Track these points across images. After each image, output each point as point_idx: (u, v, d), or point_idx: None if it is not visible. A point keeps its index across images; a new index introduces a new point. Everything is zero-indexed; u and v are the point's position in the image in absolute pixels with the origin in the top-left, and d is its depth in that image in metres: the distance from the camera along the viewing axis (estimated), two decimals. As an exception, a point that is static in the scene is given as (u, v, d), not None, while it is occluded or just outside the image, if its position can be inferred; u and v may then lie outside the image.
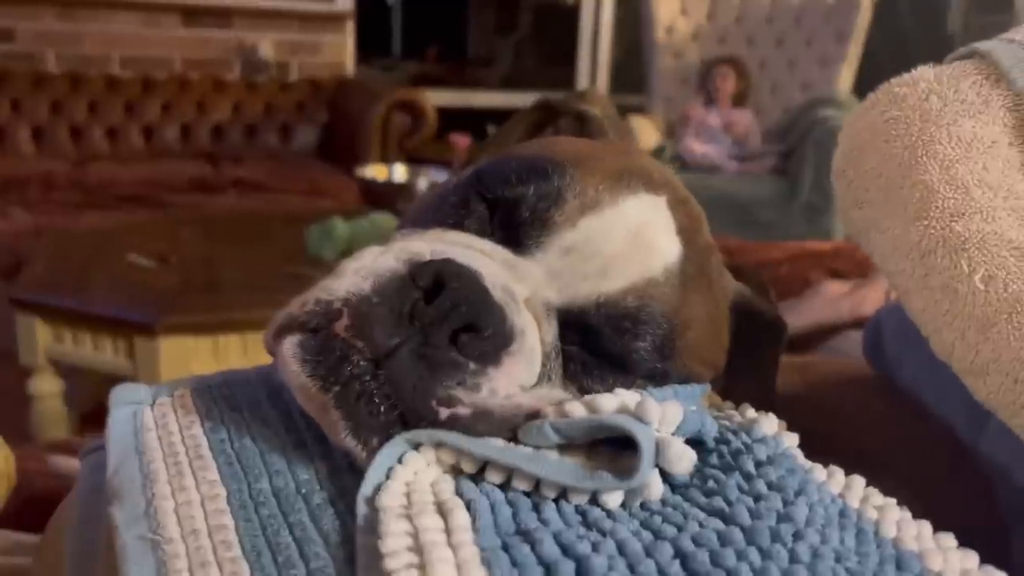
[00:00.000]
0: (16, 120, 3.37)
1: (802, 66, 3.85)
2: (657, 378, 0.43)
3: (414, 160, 3.11)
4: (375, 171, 2.73)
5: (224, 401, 0.42)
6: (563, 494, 0.34)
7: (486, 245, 0.42)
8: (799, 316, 1.37)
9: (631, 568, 0.30)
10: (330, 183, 3.30)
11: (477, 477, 0.35)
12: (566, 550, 0.30)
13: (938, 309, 0.44)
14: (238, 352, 1.69)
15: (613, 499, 0.34)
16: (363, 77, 4.11)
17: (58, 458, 1.01)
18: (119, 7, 3.63)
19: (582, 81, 4.74)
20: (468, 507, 0.32)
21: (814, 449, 0.40)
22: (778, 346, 0.53)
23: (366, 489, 0.34)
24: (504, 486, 0.35)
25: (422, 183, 2.47)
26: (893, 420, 0.58)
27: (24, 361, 1.81)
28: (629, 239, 0.43)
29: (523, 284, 0.40)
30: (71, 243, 2.14)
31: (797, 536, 0.32)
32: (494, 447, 0.35)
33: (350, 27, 4.03)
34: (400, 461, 0.35)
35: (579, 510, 0.34)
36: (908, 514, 0.36)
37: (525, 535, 0.31)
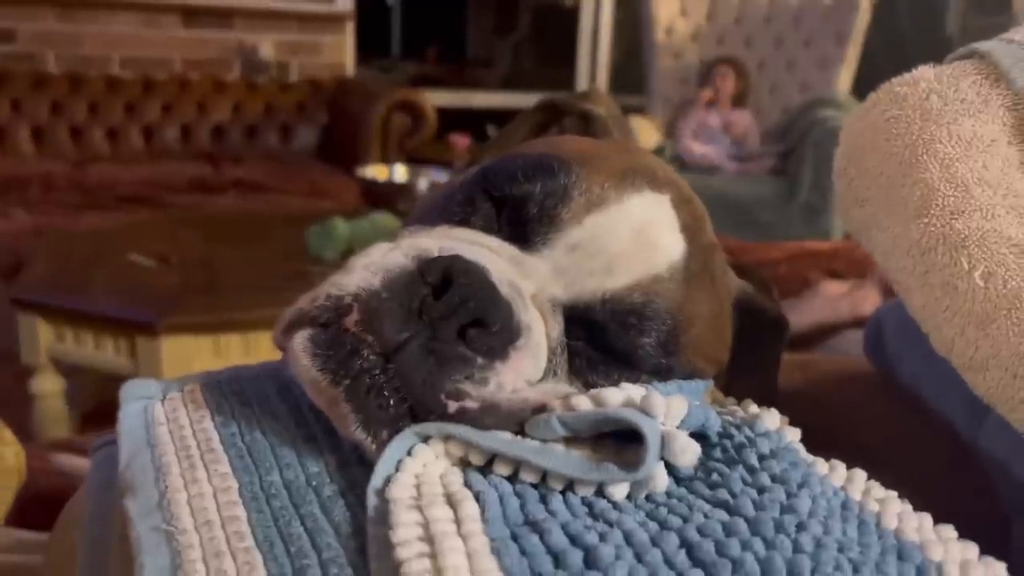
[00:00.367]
0: (16, 120, 3.37)
1: (801, 67, 3.86)
2: (661, 374, 0.43)
3: (414, 160, 3.11)
4: (375, 171, 2.74)
5: (234, 396, 0.43)
6: (570, 486, 0.35)
7: (493, 242, 0.42)
8: (798, 316, 1.38)
9: (638, 557, 0.30)
10: (330, 183, 3.31)
11: (485, 469, 0.36)
12: (574, 540, 0.31)
13: (938, 306, 0.44)
14: (239, 352, 1.69)
15: (619, 491, 0.35)
16: (363, 78, 4.11)
17: (61, 456, 1.02)
18: (119, 8, 3.63)
19: (581, 82, 4.75)
20: (477, 498, 0.33)
21: (816, 444, 0.41)
22: (780, 343, 0.54)
23: (376, 481, 0.34)
24: (512, 478, 0.35)
25: (422, 183, 2.47)
26: (894, 416, 0.59)
27: (26, 361, 1.81)
28: (634, 236, 0.43)
29: (530, 280, 0.41)
30: (72, 243, 2.15)
31: (800, 527, 0.33)
32: (502, 440, 0.36)
33: (350, 28, 4.04)
34: (409, 453, 0.35)
35: (586, 502, 0.34)
36: (909, 506, 0.37)
37: (533, 525, 0.32)
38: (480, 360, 0.37)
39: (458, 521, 0.32)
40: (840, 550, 0.32)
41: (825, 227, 3.21)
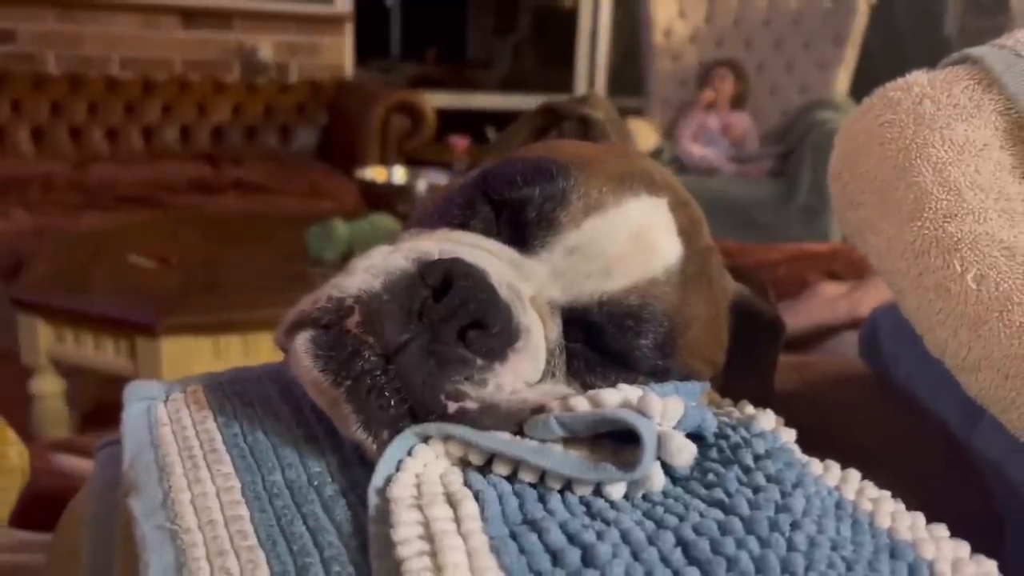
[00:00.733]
0: (16, 121, 3.37)
1: (800, 69, 3.87)
2: (658, 375, 0.44)
3: (413, 162, 3.12)
4: (375, 173, 2.74)
5: (236, 397, 0.43)
6: (568, 486, 0.35)
7: (493, 245, 0.43)
8: (796, 317, 1.38)
9: (635, 555, 0.31)
10: (330, 184, 3.31)
11: (484, 469, 0.36)
12: (572, 538, 0.31)
13: (932, 308, 0.45)
14: (239, 352, 1.70)
15: (616, 490, 0.35)
16: (362, 79, 4.12)
17: (62, 457, 1.02)
18: (119, 9, 3.64)
19: (580, 83, 4.75)
20: (476, 498, 0.34)
21: (812, 445, 0.41)
22: (776, 345, 0.54)
23: (377, 480, 0.35)
24: (511, 478, 0.36)
25: (421, 185, 2.48)
26: (889, 417, 0.59)
27: (26, 361, 1.82)
28: (631, 240, 0.44)
29: (528, 283, 0.41)
30: (72, 244, 2.15)
31: (795, 526, 0.34)
32: (501, 440, 0.36)
33: (349, 29, 4.04)
34: (410, 453, 0.36)
35: (583, 501, 0.35)
36: (902, 506, 0.37)
37: (532, 524, 0.32)
38: (480, 361, 0.37)
39: (458, 520, 0.32)
40: (834, 548, 0.33)
41: (824, 229, 3.22)
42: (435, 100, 3.84)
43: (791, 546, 0.32)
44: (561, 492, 0.35)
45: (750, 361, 0.51)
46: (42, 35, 3.56)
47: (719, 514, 0.34)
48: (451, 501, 0.33)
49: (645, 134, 3.64)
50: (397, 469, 0.35)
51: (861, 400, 0.62)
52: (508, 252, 0.43)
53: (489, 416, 0.37)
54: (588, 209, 0.44)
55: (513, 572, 0.29)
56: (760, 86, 3.88)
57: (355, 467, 0.38)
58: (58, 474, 0.93)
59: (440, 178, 2.57)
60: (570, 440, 0.37)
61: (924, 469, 0.52)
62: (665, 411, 0.37)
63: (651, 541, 0.32)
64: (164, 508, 0.35)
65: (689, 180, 3.26)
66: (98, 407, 2.00)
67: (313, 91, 3.88)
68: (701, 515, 0.34)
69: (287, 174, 3.39)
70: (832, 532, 0.34)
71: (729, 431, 0.41)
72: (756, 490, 0.36)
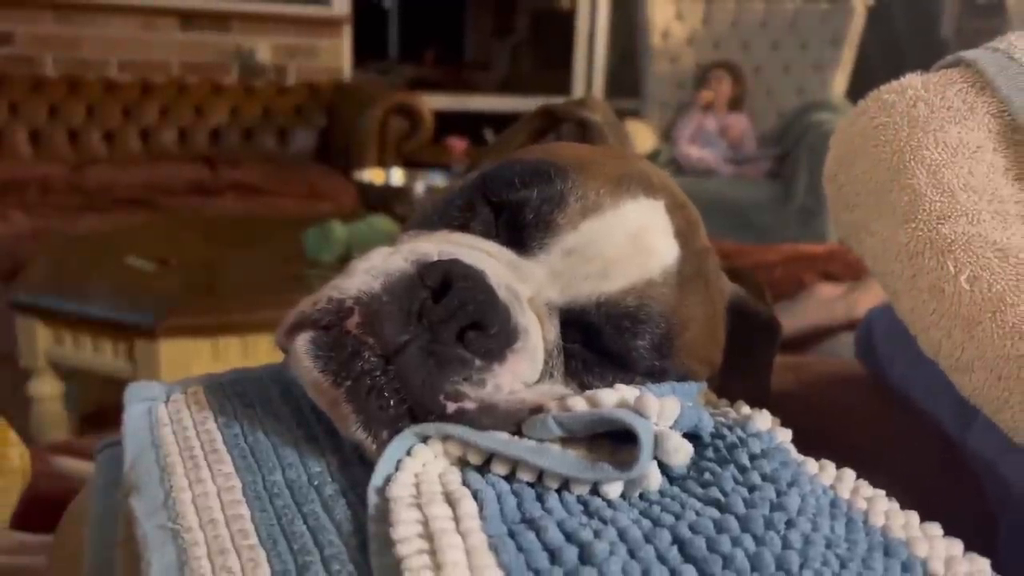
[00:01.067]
0: (14, 123, 3.37)
1: (797, 71, 3.88)
2: (656, 375, 0.44)
3: (411, 164, 3.12)
4: (373, 175, 2.74)
5: (236, 397, 0.44)
6: (565, 485, 0.36)
7: (491, 246, 0.43)
8: (793, 318, 1.38)
9: (631, 553, 0.31)
10: (328, 186, 3.31)
11: (483, 469, 0.37)
12: (569, 537, 0.32)
13: (926, 308, 0.45)
14: (238, 354, 1.70)
15: (613, 490, 0.36)
16: (360, 81, 4.12)
17: (61, 459, 1.02)
18: (117, 11, 3.64)
19: (578, 85, 4.76)
20: (475, 497, 0.34)
21: (808, 445, 0.42)
22: (773, 346, 0.55)
23: (376, 480, 0.35)
24: (509, 477, 0.36)
25: (419, 187, 2.48)
26: (884, 417, 0.60)
27: (25, 363, 1.82)
28: (629, 241, 0.44)
29: (527, 284, 0.42)
30: (70, 246, 2.15)
31: (790, 524, 0.34)
32: (499, 440, 0.36)
33: (347, 31, 4.05)
34: (409, 453, 0.36)
35: (581, 500, 0.35)
36: (896, 504, 0.38)
37: (530, 523, 0.33)
38: (478, 362, 0.38)
39: (457, 519, 0.32)
40: (828, 546, 0.33)
41: (821, 230, 3.23)
42: (433, 102, 3.84)
43: (786, 544, 0.33)
44: (559, 491, 0.36)
45: (746, 361, 0.52)
46: (40, 37, 3.56)
47: (715, 513, 0.34)
48: (450, 500, 0.34)
49: (643, 136, 3.64)
50: (396, 468, 0.36)
51: (857, 401, 0.62)
52: (506, 254, 0.43)
53: (488, 416, 0.38)
54: (585, 211, 0.44)
55: (511, 570, 0.30)
56: (757, 88, 3.89)
57: (355, 467, 0.38)
58: (58, 476, 0.93)
59: (438, 180, 2.57)
60: (568, 440, 0.38)
61: (919, 469, 0.52)
62: (662, 411, 0.38)
63: (648, 539, 0.32)
64: (165, 508, 0.35)
65: (687, 181, 3.27)
66: (97, 409, 2.00)
67: (311, 93, 3.88)
68: (697, 514, 0.34)
69: (285, 176, 3.39)
70: (827, 530, 0.34)
71: (725, 431, 0.41)
72: (752, 489, 0.36)
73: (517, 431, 0.38)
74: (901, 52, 4.35)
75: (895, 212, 0.47)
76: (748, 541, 0.32)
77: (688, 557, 0.32)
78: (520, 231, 0.44)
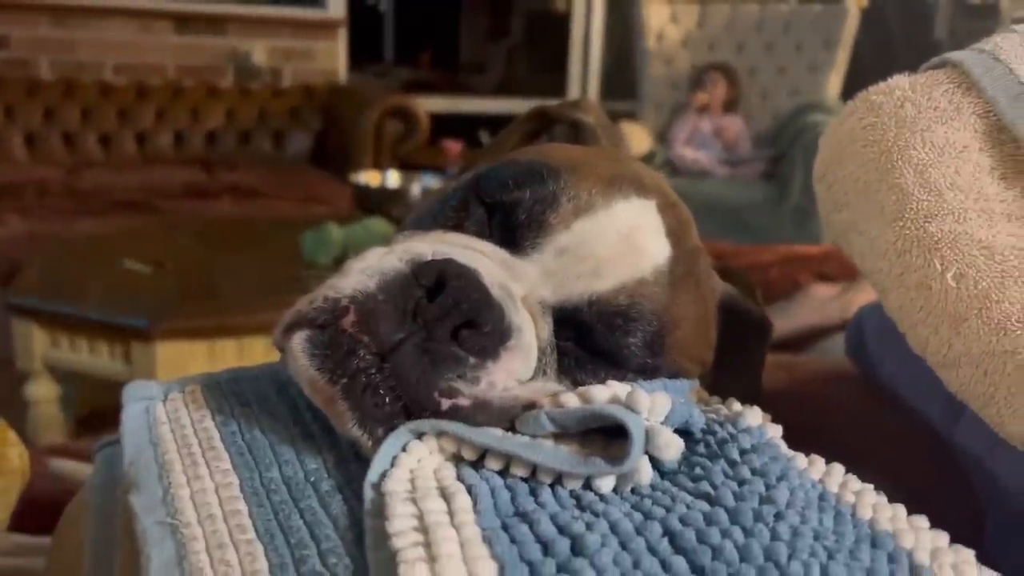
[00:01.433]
0: (9, 127, 3.38)
1: (791, 72, 3.90)
2: (647, 373, 0.45)
3: (407, 166, 3.13)
4: (369, 177, 2.75)
5: (233, 396, 0.44)
6: (558, 479, 0.36)
7: (485, 246, 0.44)
8: (789, 319, 1.39)
9: (623, 545, 0.32)
10: (324, 189, 3.32)
11: (477, 464, 0.37)
12: (562, 529, 0.32)
13: (913, 306, 0.46)
14: (234, 356, 1.70)
15: (605, 484, 0.36)
16: (356, 83, 4.13)
17: (58, 461, 1.03)
18: (112, 14, 3.64)
19: (573, 87, 4.77)
20: (469, 491, 0.34)
21: (799, 441, 0.43)
22: (764, 344, 0.55)
23: (372, 475, 0.36)
24: (503, 473, 0.37)
25: (415, 189, 2.48)
26: (874, 414, 0.60)
27: (21, 366, 1.82)
28: (620, 241, 0.45)
29: (520, 283, 0.42)
30: (67, 249, 2.15)
31: (778, 516, 0.35)
32: (493, 436, 0.37)
33: (342, 34, 4.06)
34: (404, 449, 0.37)
35: (573, 494, 0.36)
36: (884, 498, 0.38)
37: (523, 516, 0.33)
38: (472, 360, 0.38)
39: (451, 513, 0.33)
40: (816, 538, 0.34)
41: (815, 231, 3.24)
42: (428, 104, 3.85)
43: (775, 536, 0.33)
44: (552, 486, 0.36)
45: (738, 359, 0.52)
46: (35, 41, 3.56)
47: (705, 506, 0.35)
48: (444, 495, 0.34)
49: (638, 138, 3.66)
50: (392, 464, 0.36)
51: (847, 398, 0.63)
52: (500, 253, 0.44)
53: (482, 413, 0.38)
54: (578, 211, 0.45)
55: (505, 561, 0.30)
56: (752, 90, 3.90)
57: (351, 463, 0.39)
58: (54, 478, 0.93)
59: (434, 182, 2.58)
60: (561, 436, 0.38)
61: (907, 464, 0.53)
62: (653, 407, 0.38)
63: (639, 531, 0.33)
64: (164, 504, 0.36)
65: (682, 183, 3.28)
66: (91, 412, 2.01)
67: (307, 96, 3.89)
68: (687, 507, 0.35)
69: (281, 179, 3.40)
70: (815, 523, 0.35)
71: (716, 427, 0.42)
72: (741, 483, 0.37)
73: (511, 427, 0.39)
74: (895, 54, 4.36)
75: (883, 211, 0.48)
76: (737, 533, 0.33)
77: (678, 548, 0.32)
78: (513, 231, 0.45)
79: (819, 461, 0.41)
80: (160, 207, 3.03)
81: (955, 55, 0.51)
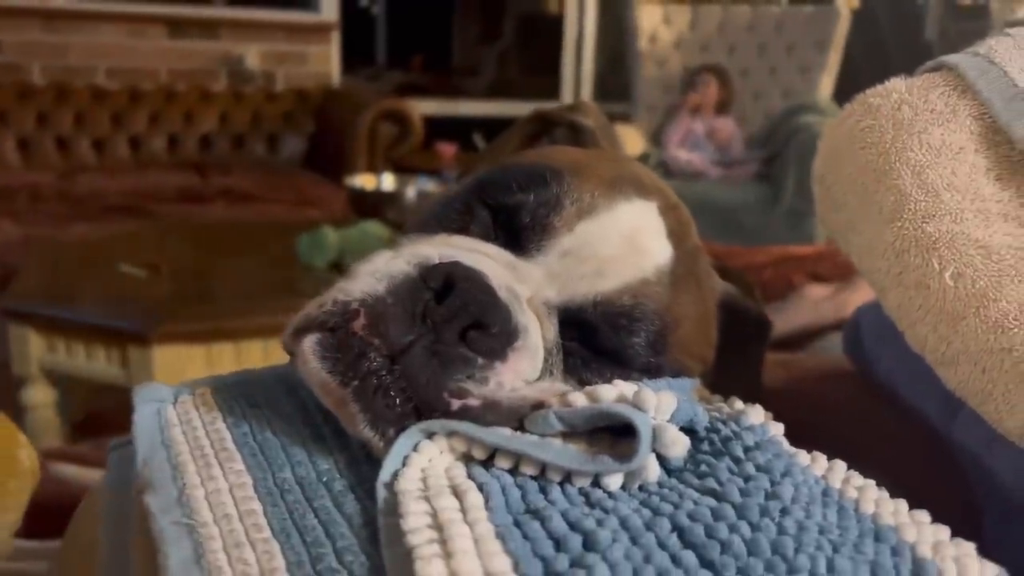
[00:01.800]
0: (2, 132, 3.37)
1: (783, 73, 3.91)
2: (651, 372, 0.45)
3: (401, 169, 3.13)
4: (363, 180, 2.75)
5: (244, 398, 0.45)
6: (568, 478, 0.37)
7: (490, 248, 0.44)
8: (783, 319, 1.40)
9: (633, 540, 0.32)
10: (318, 192, 3.32)
11: (487, 463, 0.38)
12: (573, 526, 0.33)
13: (912, 305, 0.47)
14: (231, 360, 1.70)
15: (614, 481, 0.37)
16: (349, 87, 4.13)
17: (58, 465, 1.03)
18: (105, 19, 3.64)
19: (566, 89, 4.78)
20: (480, 489, 0.35)
21: (799, 438, 0.43)
22: (763, 342, 0.56)
23: (384, 475, 0.36)
24: (513, 471, 0.37)
25: (410, 192, 2.49)
26: (871, 411, 0.61)
27: (17, 371, 1.81)
28: (623, 242, 0.46)
29: (525, 285, 0.43)
30: (62, 254, 2.15)
31: (784, 512, 0.35)
32: (502, 435, 0.38)
33: (335, 37, 4.06)
34: (415, 449, 0.37)
35: (583, 492, 0.36)
36: (886, 493, 0.39)
37: (535, 513, 0.34)
38: (481, 360, 0.39)
39: (464, 510, 0.34)
40: (821, 532, 0.34)
41: (809, 231, 3.25)
42: (422, 107, 3.86)
43: (781, 530, 0.34)
44: (561, 484, 0.37)
45: (738, 357, 0.53)
46: (27, 45, 3.55)
47: (712, 502, 0.36)
48: (456, 492, 0.35)
49: (632, 140, 3.67)
50: (403, 464, 0.37)
51: (845, 395, 0.64)
52: (505, 255, 0.44)
53: (491, 413, 0.39)
54: (581, 213, 0.46)
55: (519, 556, 0.31)
56: (744, 91, 3.92)
57: (362, 464, 0.39)
58: (54, 482, 0.93)
59: (428, 185, 2.58)
60: (569, 434, 0.39)
61: (905, 461, 0.54)
62: (659, 405, 0.39)
63: (648, 527, 0.33)
64: (180, 504, 0.36)
65: (675, 184, 3.27)
66: (86, 417, 2.00)
67: (300, 99, 3.89)
68: (695, 503, 0.36)
69: (275, 182, 3.40)
70: (819, 517, 0.36)
71: (720, 425, 0.43)
72: (747, 479, 0.38)
73: (519, 427, 0.40)
74: (886, 54, 4.39)
75: (881, 211, 0.48)
76: (744, 528, 0.34)
77: (687, 543, 0.33)
78: (517, 233, 0.46)
79: (821, 458, 0.42)
80: (154, 211, 3.03)
81: (951, 58, 0.52)
